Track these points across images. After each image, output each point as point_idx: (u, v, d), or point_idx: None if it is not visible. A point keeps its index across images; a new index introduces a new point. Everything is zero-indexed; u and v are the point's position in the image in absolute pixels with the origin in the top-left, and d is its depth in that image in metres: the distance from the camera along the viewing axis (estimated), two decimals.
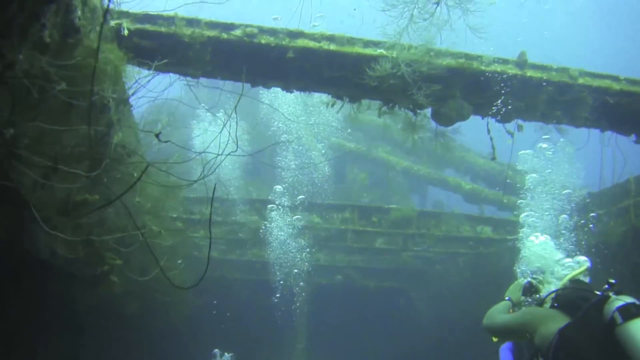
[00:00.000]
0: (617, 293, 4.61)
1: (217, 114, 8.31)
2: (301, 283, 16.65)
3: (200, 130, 14.94)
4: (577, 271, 5.59)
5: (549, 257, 5.85)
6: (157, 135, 5.11)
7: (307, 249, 16.09)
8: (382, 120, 8.91)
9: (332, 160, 22.98)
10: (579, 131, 9.42)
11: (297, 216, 16.16)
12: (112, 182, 7.43)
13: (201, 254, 14.79)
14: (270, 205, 16.21)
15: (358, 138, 24.11)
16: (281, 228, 16.05)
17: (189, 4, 6.66)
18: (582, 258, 6.04)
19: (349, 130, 22.86)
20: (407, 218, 16.55)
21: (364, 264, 17.17)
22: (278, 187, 17.01)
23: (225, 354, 15.16)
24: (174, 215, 13.07)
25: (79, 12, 5.45)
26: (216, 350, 15.18)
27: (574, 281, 5.40)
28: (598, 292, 4.82)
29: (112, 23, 6.62)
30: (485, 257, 16.38)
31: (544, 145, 11.97)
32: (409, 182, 25.40)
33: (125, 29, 6.76)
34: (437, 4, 5.65)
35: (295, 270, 16.28)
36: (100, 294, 9.30)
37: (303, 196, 16.63)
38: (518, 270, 6.09)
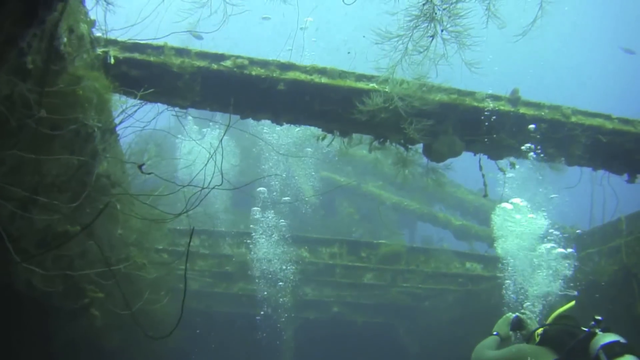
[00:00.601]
0: (604, 330, 4.71)
1: (203, 146, 8.15)
2: (287, 317, 16.37)
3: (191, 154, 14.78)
4: (564, 307, 5.67)
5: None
6: (140, 167, 4.93)
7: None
8: (373, 154, 8.77)
9: (323, 194, 22.93)
10: (571, 169, 9.35)
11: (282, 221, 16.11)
12: (95, 213, 7.22)
13: (187, 286, 14.45)
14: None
15: (348, 172, 24.03)
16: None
17: (177, 32, 6.54)
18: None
19: (339, 165, 22.87)
20: (397, 253, 16.36)
21: (352, 299, 16.88)
22: (262, 189, 17.07)
23: None
24: (160, 247, 12.82)
25: (65, 39, 5.32)
26: None
27: (562, 317, 5.49)
28: (585, 329, 4.89)
29: (99, 51, 6.50)
30: (475, 294, 16.20)
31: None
32: (399, 218, 25.27)
33: (112, 57, 6.63)
34: (432, 37, 5.55)
35: (282, 299, 16.01)
36: (81, 328, 9.01)
37: (288, 198, 16.59)
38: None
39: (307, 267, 15.93)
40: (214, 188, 5.88)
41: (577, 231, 16.13)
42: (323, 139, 8.47)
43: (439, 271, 16.41)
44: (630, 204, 13.72)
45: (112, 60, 6.59)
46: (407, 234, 27.19)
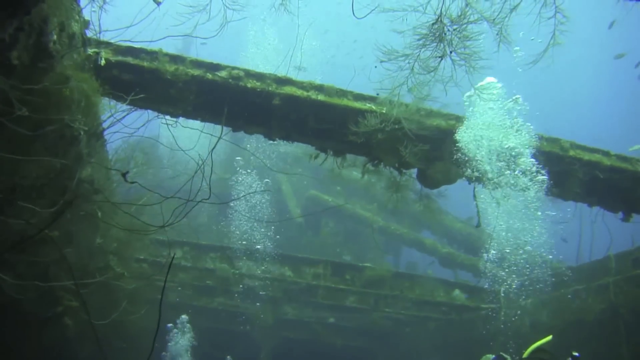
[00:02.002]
0: None
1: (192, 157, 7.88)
2: (265, 335, 16.06)
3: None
4: (542, 341, 5.77)
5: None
6: (124, 175, 4.69)
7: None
8: (365, 177, 8.55)
9: (309, 213, 22.68)
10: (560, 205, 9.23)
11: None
12: (76, 219, 6.95)
13: (166, 297, 14.17)
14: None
15: (336, 192, 23.79)
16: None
17: (174, 36, 6.32)
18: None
19: (328, 184, 22.65)
20: (381, 278, 16.10)
21: (333, 320, 16.57)
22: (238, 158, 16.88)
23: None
24: (140, 257, 12.51)
25: (55, 37, 5.09)
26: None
27: (539, 350, 5.53)
28: None
29: (90, 52, 6.26)
30: (458, 323, 15.99)
31: None
32: (384, 241, 25.04)
33: (103, 59, 6.39)
34: (441, 58, 5.37)
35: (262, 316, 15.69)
36: (53, 337, 8.68)
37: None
38: None
39: (290, 286, 15.61)
40: (200, 202, 5.63)
41: (564, 267, 16.01)
42: (315, 157, 8.25)
43: (422, 299, 16.15)
44: (619, 243, 13.65)
45: (103, 62, 6.35)
46: (391, 259, 26.94)
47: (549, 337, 5.72)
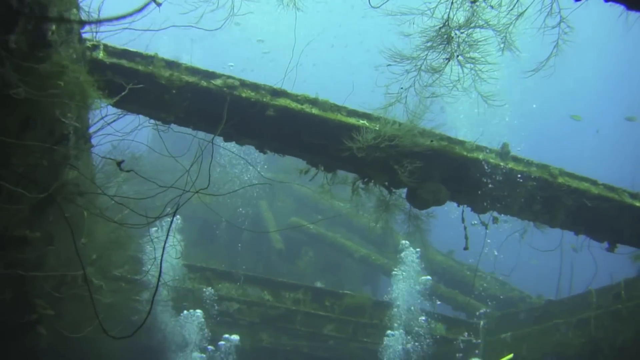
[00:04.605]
0: None
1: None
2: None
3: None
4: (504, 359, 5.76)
5: None
6: (119, 164, 4.57)
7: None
8: (352, 193, 8.46)
9: (288, 239, 22.49)
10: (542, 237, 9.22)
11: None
12: (59, 220, 6.75)
13: (140, 319, 13.84)
14: None
15: (317, 220, 23.65)
16: None
17: (177, 26, 6.23)
18: None
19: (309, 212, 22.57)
20: (361, 306, 15.91)
21: (309, 350, 16.25)
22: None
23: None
24: (118, 274, 12.25)
25: (53, 27, 5.00)
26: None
27: None
28: None
29: (88, 43, 6.17)
30: (437, 356, 15.82)
31: None
32: (363, 273, 24.88)
33: (102, 51, 6.30)
34: (448, 59, 5.37)
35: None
36: (23, 348, 8.36)
37: None
38: None
39: (268, 310, 15.33)
40: (197, 192, 5.50)
41: (544, 301, 16.01)
42: (306, 172, 8.17)
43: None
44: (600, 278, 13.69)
45: (102, 54, 6.26)
46: (369, 289, 26.73)
47: (511, 355, 5.73)
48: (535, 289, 18.10)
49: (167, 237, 4.62)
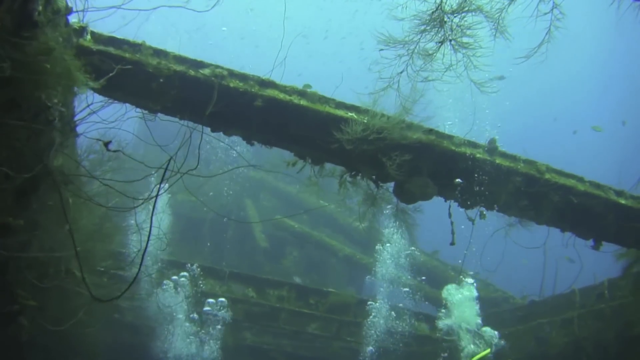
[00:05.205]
0: None
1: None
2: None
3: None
4: (480, 354, 5.88)
5: None
6: (106, 145, 4.50)
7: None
8: (340, 187, 8.42)
9: (273, 238, 22.45)
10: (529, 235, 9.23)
11: None
12: (42, 208, 6.65)
13: (122, 316, 13.73)
14: None
15: (302, 219, 23.63)
16: None
17: (170, 6, 6.16)
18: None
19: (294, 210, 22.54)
20: (346, 304, 15.88)
21: (292, 349, 16.16)
22: None
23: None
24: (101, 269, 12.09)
25: (40, 7, 4.92)
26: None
27: None
28: None
29: (76, 25, 6.07)
30: (419, 355, 15.83)
31: None
32: (347, 273, 24.88)
33: (88, 34, 6.21)
34: (441, 42, 5.36)
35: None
36: (4, 338, 8.21)
37: None
38: None
39: (252, 307, 15.23)
40: (186, 173, 5.43)
41: (528, 300, 16.09)
42: (294, 164, 8.13)
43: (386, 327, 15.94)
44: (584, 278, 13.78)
45: (89, 37, 6.17)
46: (353, 290, 26.75)
47: (487, 351, 5.79)
48: (519, 289, 18.19)
49: (154, 207, 4.54)
